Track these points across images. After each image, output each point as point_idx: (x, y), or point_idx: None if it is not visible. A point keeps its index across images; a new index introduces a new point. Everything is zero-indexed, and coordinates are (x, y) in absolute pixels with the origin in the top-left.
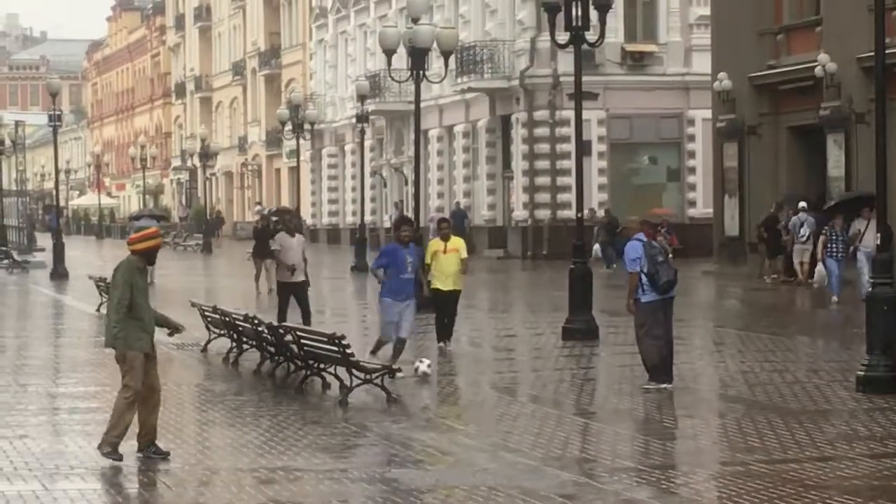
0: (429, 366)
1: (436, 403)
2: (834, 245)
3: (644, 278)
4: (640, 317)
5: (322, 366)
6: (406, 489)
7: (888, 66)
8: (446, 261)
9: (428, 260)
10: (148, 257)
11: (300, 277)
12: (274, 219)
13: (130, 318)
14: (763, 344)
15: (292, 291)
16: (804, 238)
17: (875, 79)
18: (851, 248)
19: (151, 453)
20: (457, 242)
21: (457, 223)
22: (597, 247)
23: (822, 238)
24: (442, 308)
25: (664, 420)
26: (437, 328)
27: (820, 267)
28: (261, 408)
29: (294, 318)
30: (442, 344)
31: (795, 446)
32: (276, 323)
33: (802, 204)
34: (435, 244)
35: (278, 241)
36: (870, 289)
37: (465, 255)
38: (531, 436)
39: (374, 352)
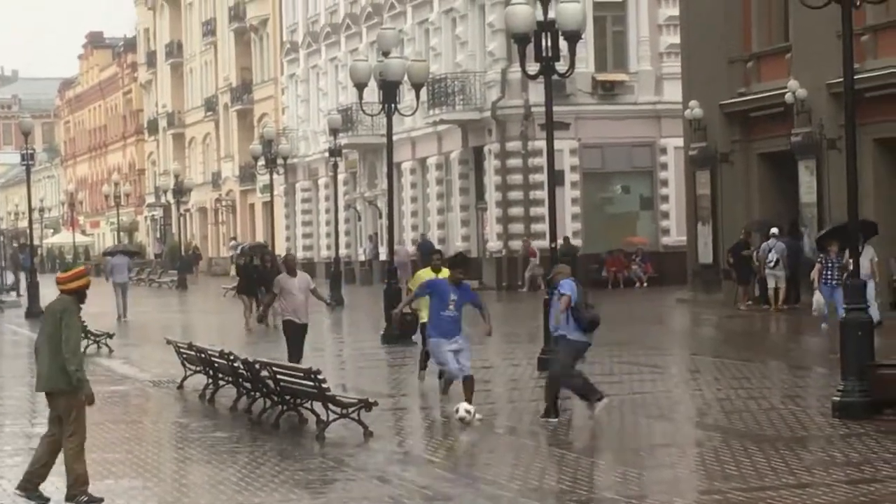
0: (467, 411)
1: (413, 436)
2: (830, 273)
3: (572, 319)
4: (572, 354)
5: (298, 401)
6: None
7: (857, 91)
8: None
9: (412, 288)
10: (80, 297)
11: (304, 319)
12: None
13: None
14: (739, 371)
15: (298, 331)
16: (772, 264)
17: (845, 104)
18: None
19: (36, 497)
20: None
21: (424, 254)
22: None
23: (817, 266)
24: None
25: (641, 449)
26: (420, 359)
27: (818, 295)
28: (238, 444)
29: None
30: (424, 372)
31: (772, 473)
32: (285, 361)
33: (774, 230)
34: (425, 274)
35: (278, 283)
36: (843, 314)
37: None
38: (508, 467)
39: (444, 391)
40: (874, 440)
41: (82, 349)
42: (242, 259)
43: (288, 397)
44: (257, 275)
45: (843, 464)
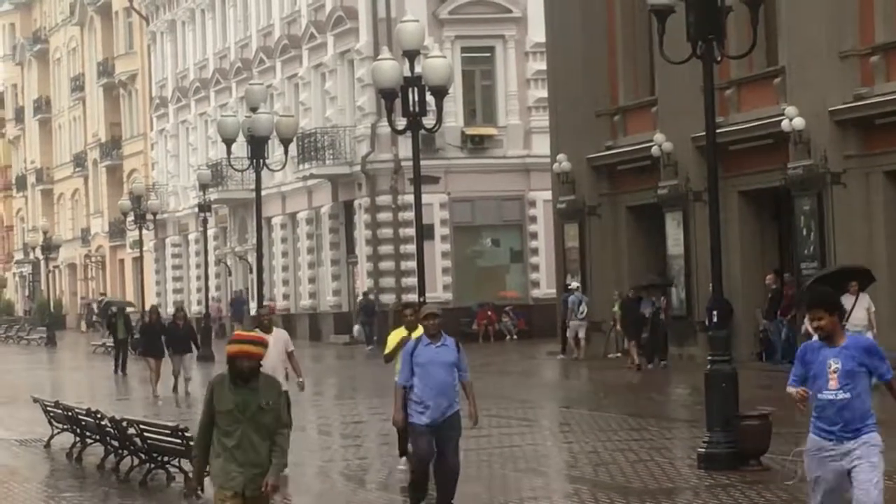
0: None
1: (284, 493)
2: None
3: None
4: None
5: (166, 459)
6: None
7: (722, 144)
8: None
9: (388, 350)
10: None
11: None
12: (113, 310)
13: None
14: (607, 424)
15: None
16: (583, 315)
17: (707, 157)
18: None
19: None
20: None
21: (236, 310)
22: (357, 327)
23: (808, 319)
24: None
25: (510, 502)
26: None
27: None
28: (106, 503)
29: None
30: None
31: None
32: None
33: (576, 284)
34: (399, 333)
35: None
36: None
37: None
38: None
39: None
40: (739, 491)
41: None
42: (149, 317)
43: (156, 455)
44: (167, 335)
45: None
